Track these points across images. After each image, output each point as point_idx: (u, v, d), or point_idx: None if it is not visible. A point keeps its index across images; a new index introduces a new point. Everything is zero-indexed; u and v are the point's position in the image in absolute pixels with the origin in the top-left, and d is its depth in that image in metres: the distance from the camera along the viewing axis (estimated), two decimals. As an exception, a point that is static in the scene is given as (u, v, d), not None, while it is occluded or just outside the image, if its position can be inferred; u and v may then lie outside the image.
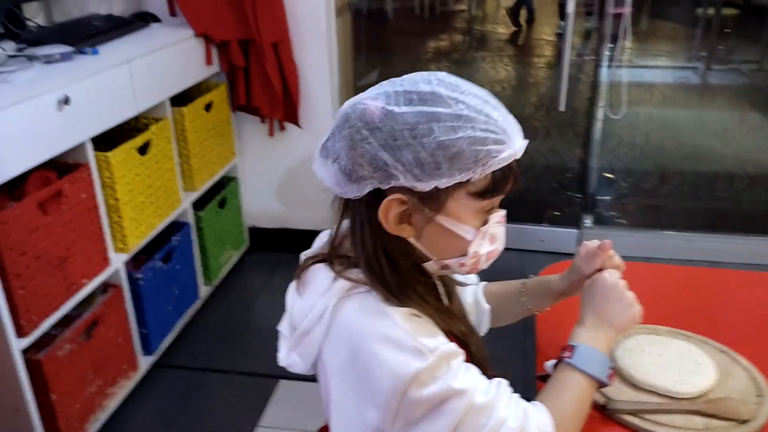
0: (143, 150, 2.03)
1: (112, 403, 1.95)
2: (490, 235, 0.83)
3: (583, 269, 0.98)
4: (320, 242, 0.91)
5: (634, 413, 0.93)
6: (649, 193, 3.39)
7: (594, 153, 2.97)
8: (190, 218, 2.37)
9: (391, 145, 0.74)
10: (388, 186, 0.76)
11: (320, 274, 0.82)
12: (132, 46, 2.07)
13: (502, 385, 0.81)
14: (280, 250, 2.88)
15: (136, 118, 2.10)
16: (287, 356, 0.86)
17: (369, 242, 0.80)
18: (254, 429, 1.97)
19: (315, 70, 2.60)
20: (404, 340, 0.74)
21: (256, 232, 2.91)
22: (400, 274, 0.80)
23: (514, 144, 0.77)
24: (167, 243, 2.22)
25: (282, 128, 2.70)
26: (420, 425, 0.76)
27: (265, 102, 2.56)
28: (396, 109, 0.75)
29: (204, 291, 2.51)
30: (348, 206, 0.83)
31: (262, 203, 2.87)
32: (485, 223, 0.82)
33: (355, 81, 2.99)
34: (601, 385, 0.87)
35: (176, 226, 2.31)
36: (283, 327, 0.88)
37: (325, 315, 0.79)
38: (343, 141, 0.77)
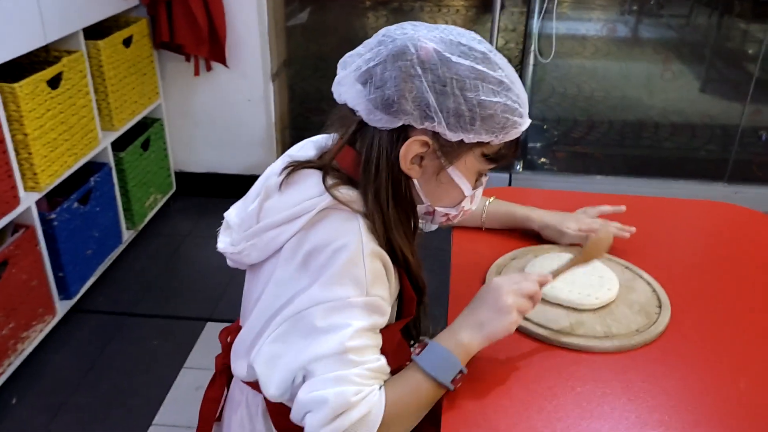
0: (54, 84, 1.92)
1: (28, 348, 1.88)
2: (474, 195, 0.89)
3: (566, 224, 1.13)
4: (305, 150, 0.91)
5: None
6: (577, 141, 3.47)
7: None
8: (110, 159, 2.27)
9: (439, 89, 0.77)
10: (421, 126, 0.79)
11: (311, 180, 0.83)
12: (40, -27, 1.94)
13: (380, 371, 0.80)
14: (208, 195, 2.81)
15: (47, 50, 1.98)
16: (237, 245, 0.87)
17: (383, 173, 0.81)
18: (179, 370, 1.94)
19: (242, 8, 2.51)
20: (359, 270, 0.78)
21: (183, 177, 2.83)
22: (399, 210, 0.83)
23: (527, 120, 0.83)
24: (85, 184, 2.13)
25: (208, 68, 2.61)
26: (297, 333, 0.79)
27: (189, 39, 2.45)
28: (452, 57, 0.78)
29: (127, 235, 2.43)
30: (362, 132, 0.83)
31: (188, 146, 2.79)
32: (477, 183, 0.88)
33: (285, 21, 2.90)
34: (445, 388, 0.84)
35: (95, 167, 2.21)
36: (230, 216, 0.92)
37: (303, 217, 0.80)
38: (395, 71, 0.78)
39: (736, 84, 3.63)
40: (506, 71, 0.81)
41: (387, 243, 0.82)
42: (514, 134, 0.82)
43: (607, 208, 1.19)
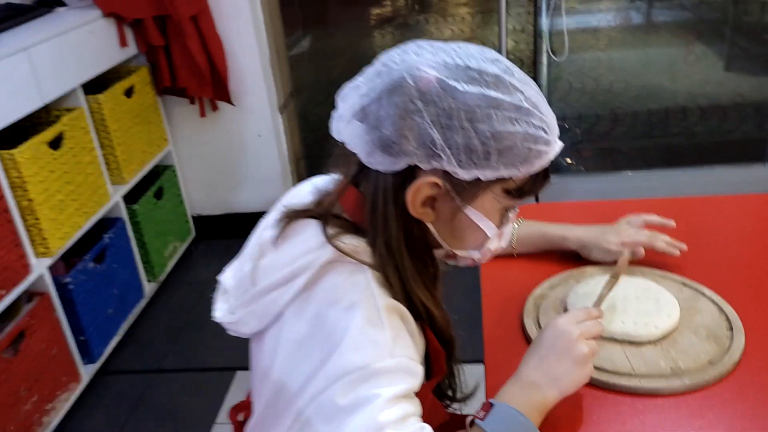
0: (56, 144, 1.86)
1: (54, 419, 1.81)
2: (503, 233, 0.78)
3: (607, 238, 1.01)
4: (301, 196, 0.81)
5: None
6: (603, 137, 3.33)
7: (543, 99, 2.89)
8: (123, 213, 2.21)
9: (444, 123, 0.67)
10: (428, 166, 0.69)
11: (309, 231, 0.74)
12: (32, 33, 1.89)
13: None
14: (228, 237, 2.73)
15: (46, 111, 1.92)
16: (232, 312, 0.77)
17: (392, 222, 0.71)
18: (211, 427, 1.85)
19: (241, 43, 2.44)
20: (376, 331, 0.67)
21: (201, 221, 2.76)
22: (415, 259, 0.73)
23: (556, 146, 0.72)
24: (99, 242, 2.07)
25: (214, 108, 2.54)
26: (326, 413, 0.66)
27: (191, 81, 2.39)
28: (458, 85, 0.67)
29: (149, 288, 2.36)
30: (366, 174, 0.73)
31: (203, 189, 2.72)
32: (503, 220, 0.76)
33: (288, 51, 2.83)
34: None
35: (108, 223, 2.15)
36: (226, 278, 0.81)
37: (304, 275, 0.71)
38: (392, 108, 0.68)
39: (764, 58, 3.46)
40: (526, 93, 0.69)
41: (406, 297, 0.72)
42: (539, 165, 0.71)
43: (654, 218, 1.06)
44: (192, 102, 2.52)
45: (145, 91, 2.37)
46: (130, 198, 2.27)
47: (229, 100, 2.49)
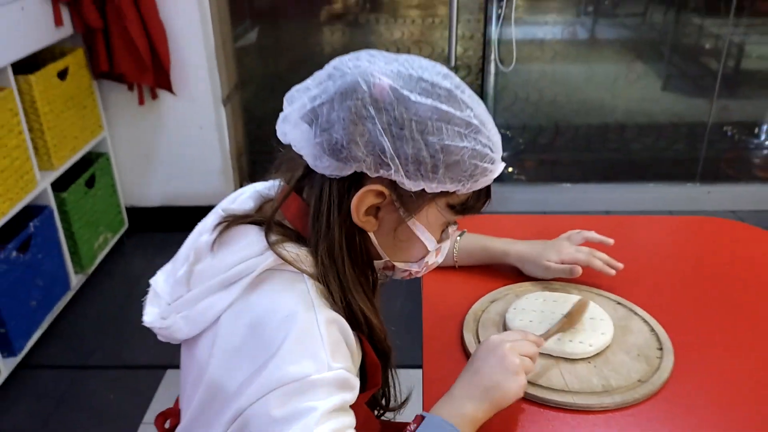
0: (-19, 125, 1.76)
1: (-34, 417, 1.71)
2: (441, 249, 0.78)
3: (547, 256, 1.03)
4: (242, 201, 0.79)
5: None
6: (545, 148, 3.40)
7: (489, 109, 2.91)
8: (51, 201, 2.10)
9: (395, 133, 0.66)
10: (375, 174, 0.68)
11: (249, 237, 0.72)
12: (-42, 5, 1.78)
13: None
14: (164, 230, 2.65)
15: (-29, 89, 1.82)
16: (165, 317, 0.74)
17: (335, 228, 0.70)
18: (138, 426, 1.79)
19: (186, 30, 2.37)
20: (315, 342, 0.66)
21: (135, 212, 2.66)
22: (356, 269, 0.73)
23: (499, 165, 0.73)
24: (24, 230, 1.96)
25: (154, 96, 2.46)
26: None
27: (130, 67, 2.30)
28: (411, 96, 0.66)
29: (76, 280, 2.25)
30: (310, 179, 0.72)
31: (139, 180, 2.63)
32: (443, 235, 0.77)
33: (234, 42, 2.77)
34: None
35: (35, 211, 2.05)
36: (157, 282, 0.79)
37: (242, 281, 0.69)
38: (344, 112, 0.66)
39: (699, 80, 3.60)
40: (475, 111, 0.69)
41: (345, 307, 0.70)
42: (483, 182, 0.72)
43: (594, 236, 1.08)
44: (130, 88, 2.43)
45: (80, 75, 2.27)
46: (60, 185, 2.17)
47: (170, 89, 2.41)
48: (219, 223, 0.74)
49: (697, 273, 1.11)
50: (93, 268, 2.36)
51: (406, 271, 0.78)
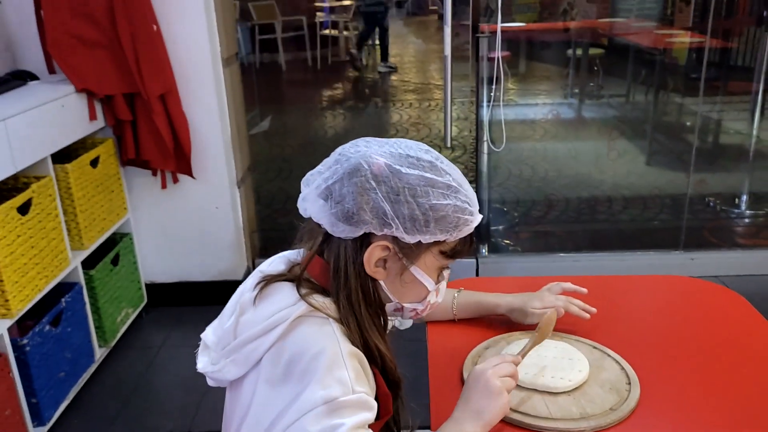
0: (24, 210, 1.95)
1: (0, 481, 1.81)
2: (439, 289, 0.95)
3: (531, 304, 1.19)
4: (275, 265, 0.97)
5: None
6: (538, 221, 3.59)
7: (483, 185, 3.12)
8: (81, 278, 2.28)
9: (393, 198, 0.85)
10: (381, 233, 0.86)
11: (284, 292, 0.88)
12: (7, 105, 2.01)
13: None
14: (180, 305, 2.81)
15: (15, 177, 2.02)
16: (217, 363, 0.90)
17: (352, 279, 0.88)
18: (160, 490, 1.89)
19: (205, 120, 2.61)
20: (341, 370, 0.82)
21: (154, 288, 2.82)
22: (370, 310, 0.89)
23: (477, 216, 0.90)
24: (56, 305, 2.12)
25: (175, 180, 2.67)
26: None
27: (155, 154, 2.53)
28: (402, 169, 0.85)
29: (99, 353, 2.40)
30: (329, 243, 0.90)
31: (158, 258, 2.80)
32: (439, 278, 0.94)
33: (248, 130, 3.01)
34: None
35: (65, 287, 2.21)
36: (207, 335, 0.95)
37: (280, 326, 0.84)
38: (351, 187, 0.85)
39: (679, 155, 3.84)
40: (453, 175, 0.89)
41: (363, 343, 0.87)
42: (466, 231, 0.89)
43: (569, 286, 1.25)
44: (154, 174, 2.65)
45: (110, 162, 2.49)
46: (88, 263, 2.34)
47: (190, 174, 2.62)
48: (258, 282, 0.91)
49: (668, 325, 1.27)
50: (115, 341, 2.51)
51: (413, 310, 0.95)
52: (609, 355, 1.12)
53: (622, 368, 1.09)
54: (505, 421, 0.98)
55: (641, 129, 4.33)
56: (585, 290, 1.25)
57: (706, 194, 3.47)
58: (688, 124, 4.11)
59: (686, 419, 1.00)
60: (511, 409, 0.99)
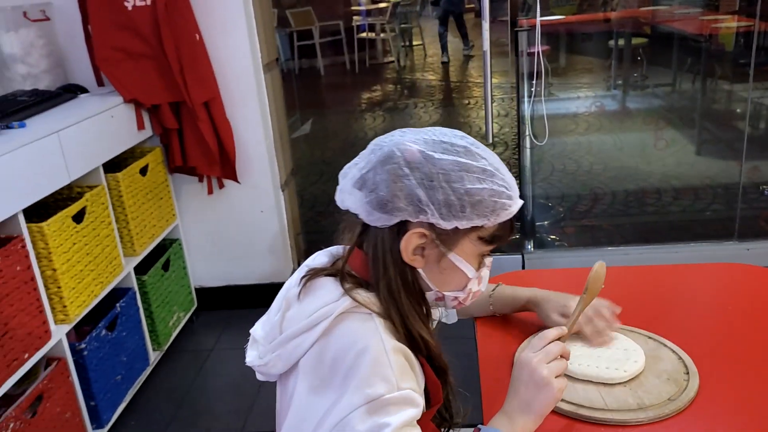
0: (79, 218, 2.01)
1: (64, 481, 1.87)
2: (481, 277, 0.93)
3: (564, 305, 1.12)
4: (319, 260, 0.97)
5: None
6: (584, 215, 3.53)
7: (527, 180, 3.09)
8: (134, 283, 2.34)
9: (427, 185, 0.84)
10: (416, 219, 0.85)
11: (328, 286, 0.89)
12: (60, 117, 2.08)
13: None
14: (228, 308, 2.86)
15: (70, 187, 2.09)
16: (264, 357, 0.91)
17: (390, 268, 0.87)
18: (216, 489, 1.92)
19: (249, 126, 2.65)
20: (385, 368, 0.81)
21: (203, 292, 2.88)
22: (411, 299, 0.88)
23: (517, 201, 0.88)
24: (111, 310, 2.19)
25: (221, 185, 2.72)
26: None
27: (201, 161, 2.58)
28: (435, 155, 0.85)
29: (153, 356, 2.45)
30: (366, 234, 0.90)
31: (207, 262, 2.86)
32: (480, 265, 0.92)
33: (290, 134, 3.05)
34: None
35: (119, 293, 2.28)
36: (255, 330, 0.96)
37: (323, 322, 0.84)
38: (385, 174, 0.85)
39: (730, 143, 3.72)
40: (489, 160, 0.87)
41: (406, 333, 0.86)
42: (505, 215, 0.87)
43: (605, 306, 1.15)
44: (200, 180, 2.70)
45: (158, 170, 2.55)
46: (140, 269, 2.41)
47: (235, 179, 2.67)
48: (303, 276, 0.92)
49: (725, 313, 1.23)
50: (168, 345, 2.56)
51: (455, 299, 0.94)
52: (665, 345, 1.09)
53: (680, 358, 1.06)
54: (560, 413, 0.97)
55: (689, 118, 4.21)
56: (618, 309, 1.14)
57: (760, 182, 3.35)
58: (738, 111, 3.97)
59: (747, 409, 0.96)
60: (565, 400, 0.97)
